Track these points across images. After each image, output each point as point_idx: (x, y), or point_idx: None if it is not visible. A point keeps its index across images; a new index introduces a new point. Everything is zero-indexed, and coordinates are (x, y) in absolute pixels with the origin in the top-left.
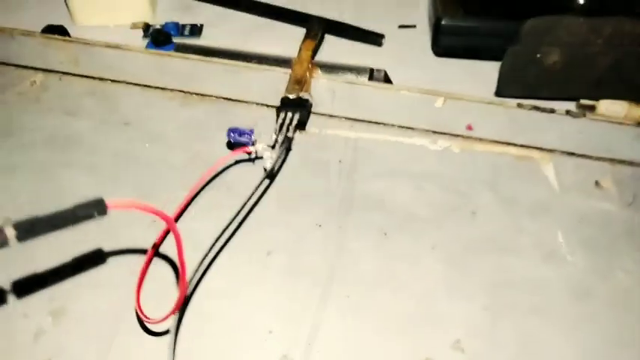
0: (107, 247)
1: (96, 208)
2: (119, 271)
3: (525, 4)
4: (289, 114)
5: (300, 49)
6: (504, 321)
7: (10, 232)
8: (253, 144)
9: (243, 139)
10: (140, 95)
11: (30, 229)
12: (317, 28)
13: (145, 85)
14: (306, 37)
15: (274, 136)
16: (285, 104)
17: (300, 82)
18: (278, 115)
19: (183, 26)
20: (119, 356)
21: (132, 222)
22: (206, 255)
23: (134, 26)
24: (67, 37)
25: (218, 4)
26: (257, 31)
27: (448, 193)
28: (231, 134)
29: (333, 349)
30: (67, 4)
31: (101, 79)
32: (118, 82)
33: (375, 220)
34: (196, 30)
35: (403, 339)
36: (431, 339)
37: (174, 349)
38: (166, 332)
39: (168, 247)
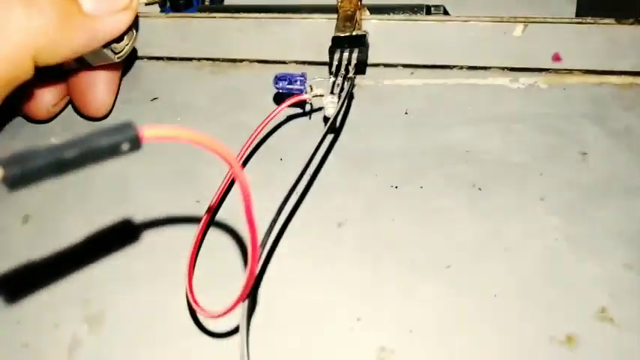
0: (141, 231)
1: (124, 137)
2: (162, 261)
3: None
4: (345, 53)
5: None
6: None
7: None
8: (308, 91)
9: (296, 86)
10: (164, 68)
11: (26, 168)
12: None
13: (169, 58)
14: None
15: (332, 79)
16: (339, 43)
17: (350, 20)
18: (331, 57)
19: None
20: None
21: (171, 200)
22: (270, 230)
23: (150, 1)
24: None
25: None
26: None
27: (546, 134)
28: (280, 83)
29: (440, 334)
30: None
31: None
32: (139, 57)
33: (463, 174)
34: None
35: (530, 315)
36: (567, 311)
37: (247, 349)
38: (231, 332)
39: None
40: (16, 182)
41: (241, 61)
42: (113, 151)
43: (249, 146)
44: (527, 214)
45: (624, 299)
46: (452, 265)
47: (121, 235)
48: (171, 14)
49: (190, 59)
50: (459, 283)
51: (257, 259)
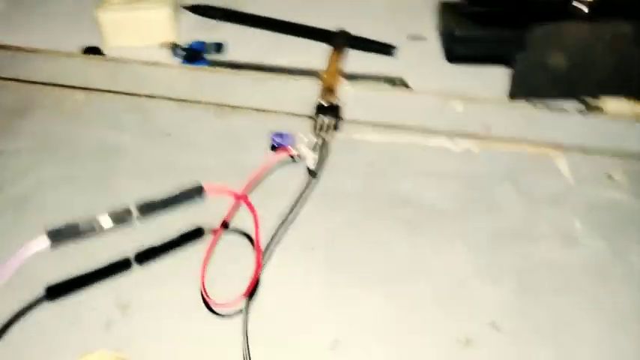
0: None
1: (197, 193)
2: (178, 265)
3: (530, 13)
4: (325, 119)
5: (329, 61)
6: (532, 302)
7: (136, 213)
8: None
9: (286, 141)
10: (176, 109)
11: (148, 209)
12: (343, 41)
13: (180, 100)
14: (334, 49)
15: (314, 140)
16: (321, 110)
17: (331, 91)
18: (315, 121)
19: (208, 44)
20: (188, 341)
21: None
22: (269, 243)
23: (162, 45)
24: (107, 57)
25: (239, 23)
26: (278, 46)
27: (471, 190)
28: (275, 138)
29: (377, 331)
30: (98, 27)
31: (138, 95)
32: (155, 97)
33: (405, 215)
34: (220, 48)
35: (443, 322)
36: (468, 320)
37: (246, 330)
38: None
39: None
40: (142, 217)
41: (240, 107)
42: (190, 200)
43: (252, 183)
44: (448, 249)
45: (509, 315)
46: (389, 282)
47: (145, 242)
48: (186, 65)
49: (199, 102)
50: (392, 296)
51: (260, 268)
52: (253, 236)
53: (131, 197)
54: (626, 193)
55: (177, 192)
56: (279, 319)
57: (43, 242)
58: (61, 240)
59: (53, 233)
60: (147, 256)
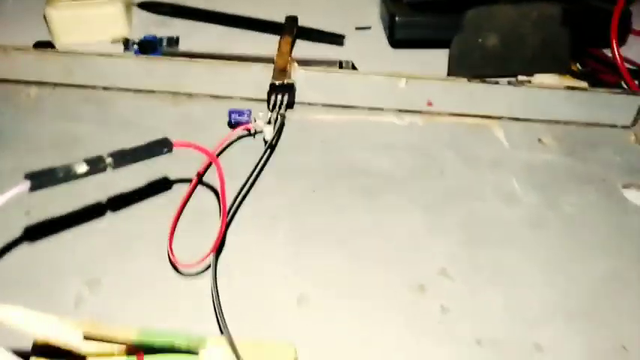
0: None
1: (165, 146)
2: (141, 233)
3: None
4: (279, 96)
5: (280, 44)
6: (478, 251)
7: (109, 160)
8: (252, 122)
9: (244, 118)
10: (133, 99)
11: (121, 158)
12: (292, 25)
13: (137, 90)
14: (284, 33)
15: (269, 114)
16: (274, 89)
17: (283, 71)
18: (269, 98)
19: (161, 39)
20: (161, 305)
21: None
22: (229, 209)
23: (114, 41)
24: (60, 50)
25: (191, 19)
26: (231, 40)
27: (418, 158)
28: (232, 115)
29: (340, 285)
30: (47, 24)
31: (93, 87)
32: (111, 88)
33: (360, 184)
34: (173, 42)
35: (398, 272)
36: (421, 269)
37: (216, 285)
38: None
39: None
40: (116, 166)
41: (197, 95)
42: (159, 153)
43: (215, 151)
44: (401, 211)
45: (457, 263)
46: (348, 242)
47: (106, 213)
48: (140, 56)
49: (154, 92)
50: (352, 254)
51: (226, 218)
52: (219, 190)
53: (91, 184)
54: (555, 154)
55: (145, 144)
56: (245, 281)
57: (23, 184)
58: (39, 182)
59: (32, 175)
60: (119, 202)
